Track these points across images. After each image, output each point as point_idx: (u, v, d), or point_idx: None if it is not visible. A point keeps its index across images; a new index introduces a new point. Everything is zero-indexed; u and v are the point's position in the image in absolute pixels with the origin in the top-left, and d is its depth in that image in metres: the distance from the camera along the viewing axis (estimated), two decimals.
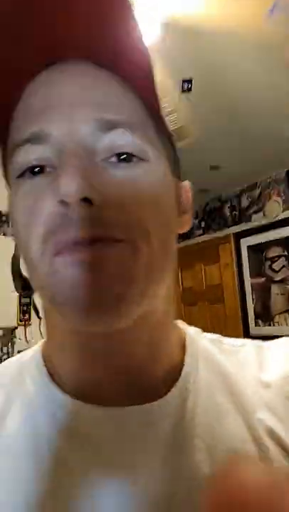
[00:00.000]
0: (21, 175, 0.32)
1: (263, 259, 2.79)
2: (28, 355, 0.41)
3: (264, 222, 2.77)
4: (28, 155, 0.31)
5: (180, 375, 0.37)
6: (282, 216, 2.68)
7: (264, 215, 2.78)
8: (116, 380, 0.35)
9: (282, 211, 2.68)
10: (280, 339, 0.44)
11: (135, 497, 0.31)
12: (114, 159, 0.32)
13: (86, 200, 0.29)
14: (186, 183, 0.41)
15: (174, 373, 0.37)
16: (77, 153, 0.30)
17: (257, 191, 2.90)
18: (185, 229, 0.40)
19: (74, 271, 0.29)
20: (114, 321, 0.30)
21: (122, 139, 0.32)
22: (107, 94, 0.33)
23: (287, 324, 2.63)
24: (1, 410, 0.36)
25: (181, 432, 0.34)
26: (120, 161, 0.32)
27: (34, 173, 0.32)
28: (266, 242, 2.76)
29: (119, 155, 0.32)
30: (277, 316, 2.70)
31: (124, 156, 0.32)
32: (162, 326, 0.38)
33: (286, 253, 2.64)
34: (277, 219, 2.70)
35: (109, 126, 0.32)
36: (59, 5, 0.31)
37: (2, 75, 0.33)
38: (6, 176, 0.36)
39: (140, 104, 0.34)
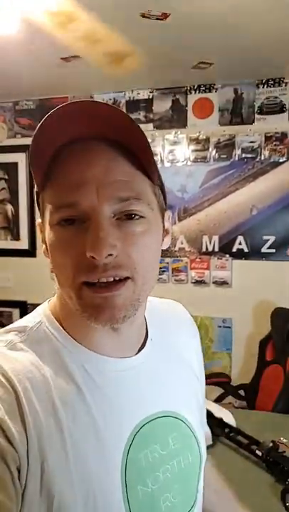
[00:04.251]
0: (58, 223, 0.47)
1: None
2: (36, 323, 0.54)
3: None
4: (66, 214, 0.46)
5: (147, 337, 0.60)
6: (5, 143, 2.90)
7: None
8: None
9: (6, 138, 2.89)
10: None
11: None
12: (123, 217, 0.47)
13: (108, 254, 0.45)
14: (168, 213, 0.57)
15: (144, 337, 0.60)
16: (101, 222, 0.45)
17: None
18: (165, 247, 0.56)
19: (98, 301, 0.47)
20: (119, 326, 0.50)
21: (131, 206, 0.47)
22: (123, 174, 0.47)
23: (6, 239, 2.93)
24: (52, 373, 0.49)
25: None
26: (127, 218, 0.47)
27: (67, 222, 0.47)
28: None
29: (126, 215, 0.47)
30: None
31: (130, 215, 0.47)
32: (143, 313, 0.58)
33: (6, 176, 2.90)
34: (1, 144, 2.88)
35: (124, 199, 0.47)
36: (87, 110, 0.44)
37: (46, 147, 0.46)
38: (40, 208, 0.52)
39: (141, 175, 0.49)
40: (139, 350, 0.58)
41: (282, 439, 1.38)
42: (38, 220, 0.55)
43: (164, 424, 0.55)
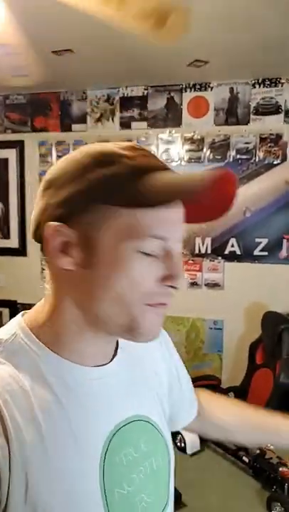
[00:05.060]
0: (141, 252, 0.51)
1: None
2: (10, 335, 0.54)
3: None
4: (152, 245, 0.50)
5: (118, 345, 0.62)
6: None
7: None
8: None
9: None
10: None
11: None
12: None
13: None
14: None
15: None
16: (179, 257, 0.52)
17: None
18: None
19: (158, 319, 0.53)
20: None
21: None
22: None
23: None
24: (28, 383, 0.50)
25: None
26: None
27: (147, 254, 0.51)
28: None
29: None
30: None
31: None
32: None
33: None
34: None
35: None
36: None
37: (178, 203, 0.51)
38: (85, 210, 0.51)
39: None
40: (112, 357, 0.60)
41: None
42: (55, 224, 0.50)
43: (136, 428, 0.58)
